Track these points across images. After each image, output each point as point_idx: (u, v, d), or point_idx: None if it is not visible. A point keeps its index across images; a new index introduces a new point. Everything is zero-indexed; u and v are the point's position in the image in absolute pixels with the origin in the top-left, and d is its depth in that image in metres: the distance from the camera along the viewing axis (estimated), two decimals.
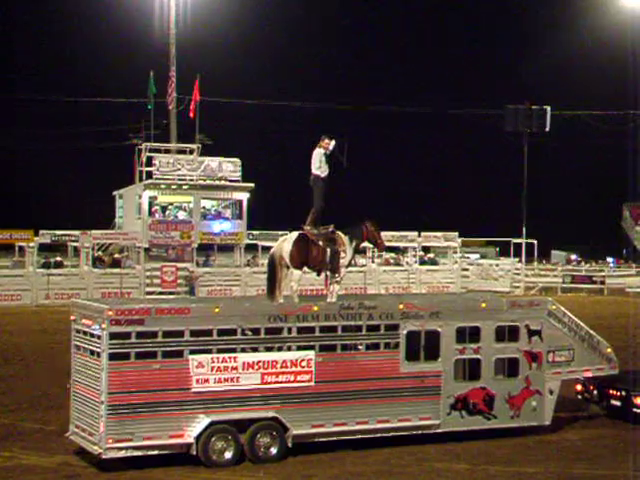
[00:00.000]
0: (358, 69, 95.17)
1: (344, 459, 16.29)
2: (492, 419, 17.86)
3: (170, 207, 48.65)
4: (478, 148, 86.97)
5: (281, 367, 16.23)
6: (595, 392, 19.95)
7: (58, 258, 47.81)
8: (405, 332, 17.14)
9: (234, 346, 16.04)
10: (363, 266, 48.63)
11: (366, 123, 79.18)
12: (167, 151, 49.97)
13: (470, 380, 17.69)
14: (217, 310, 16.10)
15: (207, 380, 15.79)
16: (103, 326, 15.28)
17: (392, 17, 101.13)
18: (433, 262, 53.65)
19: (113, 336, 15.27)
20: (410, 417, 17.16)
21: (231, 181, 48.20)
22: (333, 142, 17.85)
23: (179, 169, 47.46)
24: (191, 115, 52.44)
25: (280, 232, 35.35)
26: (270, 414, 16.12)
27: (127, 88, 60.04)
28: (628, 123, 63.81)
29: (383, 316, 17.05)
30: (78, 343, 16.54)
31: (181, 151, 50.36)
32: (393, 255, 54.72)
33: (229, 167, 48.18)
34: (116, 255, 48.64)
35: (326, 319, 16.64)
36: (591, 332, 19.08)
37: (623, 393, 19.32)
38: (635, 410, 19.00)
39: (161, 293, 42.68)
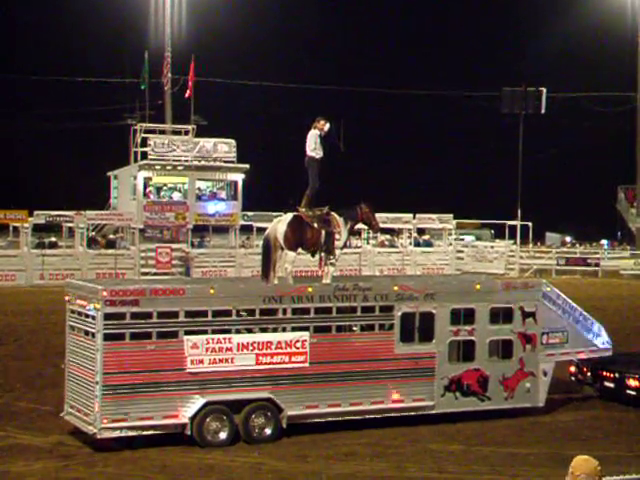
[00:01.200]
0: (354, 50, 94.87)
1: (338, 440, 16.34)
2: (486, 400, 17.92)
3: (165, 188, 48.59)
4: (474, 130, 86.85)
5: (276, 348, 16.26)
6: (589, 374, 20.03)
7: (52, 239, 47.73)
8: (400, 314, 17.17)
9: (229, 327, 16.06)
10: (358, 248, 48.62)
11: (362, 104, 79.05)
12: (162, 132, 49.84)
13: (464, 362, 17.75)
14: (212, 291, 16.11)
15: (202, 361, 15.81)
16: (98, 307, 15.29)
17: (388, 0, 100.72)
18: (428, 244, 53.69)
19: (108, 317, 15.28)
20: (404, 398, 17.21)
21: (226, 162, 48.08)
22: (328, 124, 17.84)
23: (174, 150, 47.33)
24: (187, 96, 52.24)
25: (275, 213, 35.29)
26: (265, 395, 16.16)
27: (122, 68, 59.83)
28: (624, 105, 63.80)
29: (378, 297, 17.07)
30: (73, 323, 16.56)
31: (176, 132, 50.24)
32: (388, 237, 54.73)
33: (224, 148, 48.06)
34: (111, 236, 48.60)
35: (321, 300, 16.65)
36: (585, 314, 19.14)
37: (616, 375, 19.40)
38: (628, 392, 19.09)
39: (156, 274, 42.66)
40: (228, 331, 16.04)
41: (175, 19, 54.45)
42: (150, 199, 47.31)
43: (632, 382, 19.08)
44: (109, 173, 52.93)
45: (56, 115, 67.74)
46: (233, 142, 48.29)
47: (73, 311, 16.54)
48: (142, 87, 53.85)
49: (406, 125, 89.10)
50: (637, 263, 54.96)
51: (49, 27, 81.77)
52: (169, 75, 53.64)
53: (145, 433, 15.54)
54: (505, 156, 65.21)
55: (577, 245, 67.29)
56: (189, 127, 49.82)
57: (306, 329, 16.51)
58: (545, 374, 18.42)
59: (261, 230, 40.52)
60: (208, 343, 15.86)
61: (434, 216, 52.78)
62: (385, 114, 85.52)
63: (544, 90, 57.55)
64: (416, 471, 14.77)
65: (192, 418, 15.66)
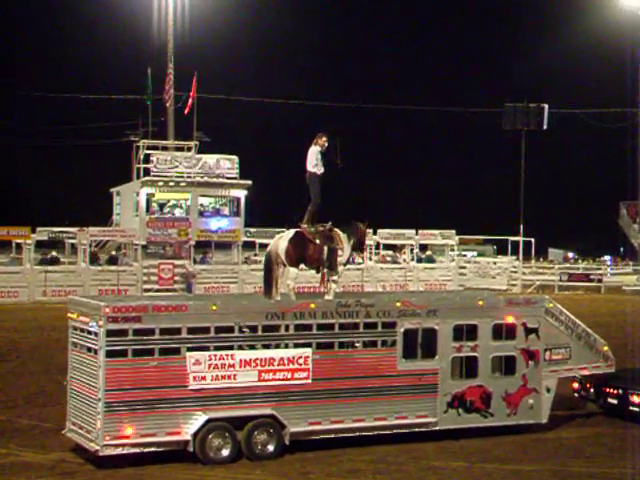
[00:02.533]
0: (356, 67, 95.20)
1: (341, 456, 16.29)
2: (489, 417, 17.86)
3: (167, 204, 48.62)
4: (476, 146, 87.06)
5: (278, 364, 16.22)
6: (592, 390, 19.98)
7: (53, 254, 47.67)
8: (402, 330, 17.14)
9: (231, 343, 16.03)
10: (360, 264, 48.60)
11: (364, 121, 79.24)
12: (165, 148, 49.90)
13: (467, 378, 17.69)
14: (214, 307, 16.08)
15: (204, 377, 15.77)
16: (100, 323, 15.27)
17: (391, 15, 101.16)
18: (430, 260, 53.65)
19: (110, 333, 15.25)
20: (407, 415, 17.16)
21: (228, 178, 48.16)
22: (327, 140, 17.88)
23: (177, 166, 47.42)
24: (186, 112, 52.36)
25: (277, 229, 35.34)
26: (267, 411, 16.11)
27: (125, 85, 60.08)
28: (626, 121, 63.86)
29: (380, 314, 17.04)
30: (75, 340, 16.53)
31: (179, 148, 50.32)
32: (390, 253, 54.71)
33: (226, 164, 48.15)
34: (113, 252, 48.61)
35: (323, 317, 16.62)
36: (588, 330, 19.09)
37: (620, 391, 19.34)
38: (632, 408, 19.02)
39: (158, 290, 42.65)
40: (230, 347, 16.01)
41: (178, 36, 54.62)
42: (153, 215, 47.35)
43: (636, 398, 19.02)
44: (112, 189, 52.97)
45: (59, 132, 67.95)
46: (236, 158, 48.38)
47: (75, 328, 16.52)
48: (148, 102, 54.00)
49: (409, 141, 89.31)
50: None
51: (52, 43, 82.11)
52: (171, 91, 53.74)
53: (147, 450, 15.50)
54: (507, 172, 65.30)
55: (580, 261, 67.32)
56: (192, 143, 49.91)
57: (309, 345, 16.48)
58: (548, 390, 18.37)
59: (264, 246, 40.52)
60: (210, 360, 15.83)
61: (436, 232, 52.76)
62: (388, 130, 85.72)
63: (546, 106, 57.68)
64: None
65: (194, 435, 15.61)
